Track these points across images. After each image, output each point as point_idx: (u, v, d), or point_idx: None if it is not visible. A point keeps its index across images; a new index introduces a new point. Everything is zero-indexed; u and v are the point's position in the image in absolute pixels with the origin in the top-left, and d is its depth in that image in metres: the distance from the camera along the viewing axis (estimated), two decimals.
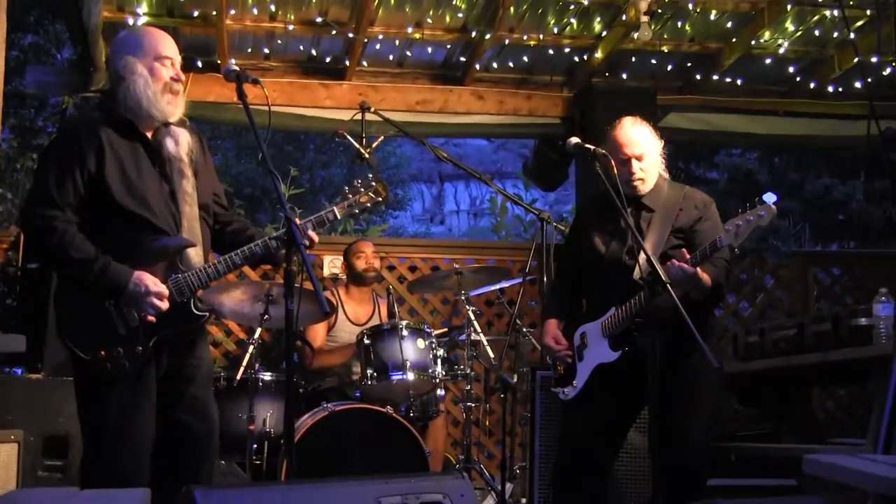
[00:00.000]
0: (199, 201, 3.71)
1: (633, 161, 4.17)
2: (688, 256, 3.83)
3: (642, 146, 4.20)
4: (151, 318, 3.49)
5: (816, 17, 7.20)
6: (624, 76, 7.76)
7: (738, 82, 7.81)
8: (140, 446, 3.51)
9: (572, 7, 7.07)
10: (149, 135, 3.66)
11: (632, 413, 4.32)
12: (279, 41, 7.35)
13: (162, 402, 3.59)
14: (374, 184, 3.80)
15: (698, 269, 3.83)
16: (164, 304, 3.49)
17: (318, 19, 7.00)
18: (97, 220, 3.52)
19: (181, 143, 3.67)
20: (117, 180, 3.53)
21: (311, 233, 3.64)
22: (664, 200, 4.20)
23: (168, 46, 3.68)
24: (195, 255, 3.63)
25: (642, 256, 4.00)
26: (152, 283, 3.47)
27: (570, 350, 4.28)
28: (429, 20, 7.14)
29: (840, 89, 7.84)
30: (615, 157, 4.14)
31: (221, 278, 3.70)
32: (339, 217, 3.76)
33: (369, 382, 5.49)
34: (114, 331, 3.47)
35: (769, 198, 3.68)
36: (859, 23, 7.05)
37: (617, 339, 4.09)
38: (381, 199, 3.82)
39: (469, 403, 5.86)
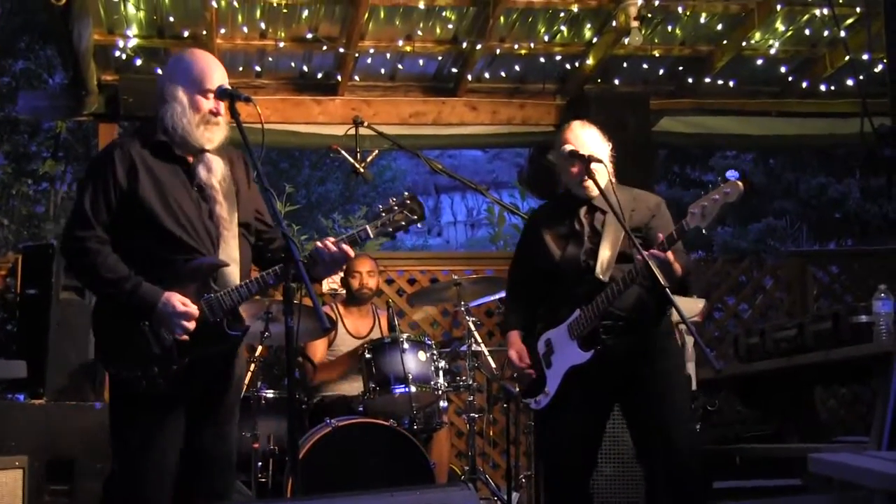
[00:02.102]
0: (241, 219, 3.69)
1: None
2: (662, 238, 3.86)
3: (592, 147, 4.22)
4: (184, 338, 3.48)
5: (806, 17, 7.23)
6: (616, 82, 7.78)
7: (731, 84, 7.83)
8: (166, 467, 3.52)
9: (562, 14, 7.09)
10: (189, 159, 3.66)
11: (607, 413, 4.34)
12: (270, 58, 7.36)
13: (190, 420, 3.59)
14: (408, 202, 3.63)
15: (670, 254, 3.86)
16: (192, 325, 3.47)
17: (309, 35, 7.02)
18: (133, 239, 3.53)
19: (213, 171, 3.66)
20: (154, 198, 3.53)
21: (345, 246, 3.56)
22: (615, 203, 4.21)
23: (216, 81, 3.67)
24: (232, 274, 3.61)
25: (602, 256, 4.07)
26: (180, 303, 3.45)
27: (533, 364, 4.27)
28: (419, 32, 7.15)
29: (832, 88, 7.85)
30: (566, 160, 4.19)
31: (253, 297, 3.67)
32: (371, 236, 3.62)
33: (372, 396, 5.49)
34: (149, 350, 3.46)
35: (732, 174, 3.77)
36: (849, 20, 7.08)
37: (586, 339, 4.09)
38: (415, 217, 3.61)
39: (472, 414, 5.85)
